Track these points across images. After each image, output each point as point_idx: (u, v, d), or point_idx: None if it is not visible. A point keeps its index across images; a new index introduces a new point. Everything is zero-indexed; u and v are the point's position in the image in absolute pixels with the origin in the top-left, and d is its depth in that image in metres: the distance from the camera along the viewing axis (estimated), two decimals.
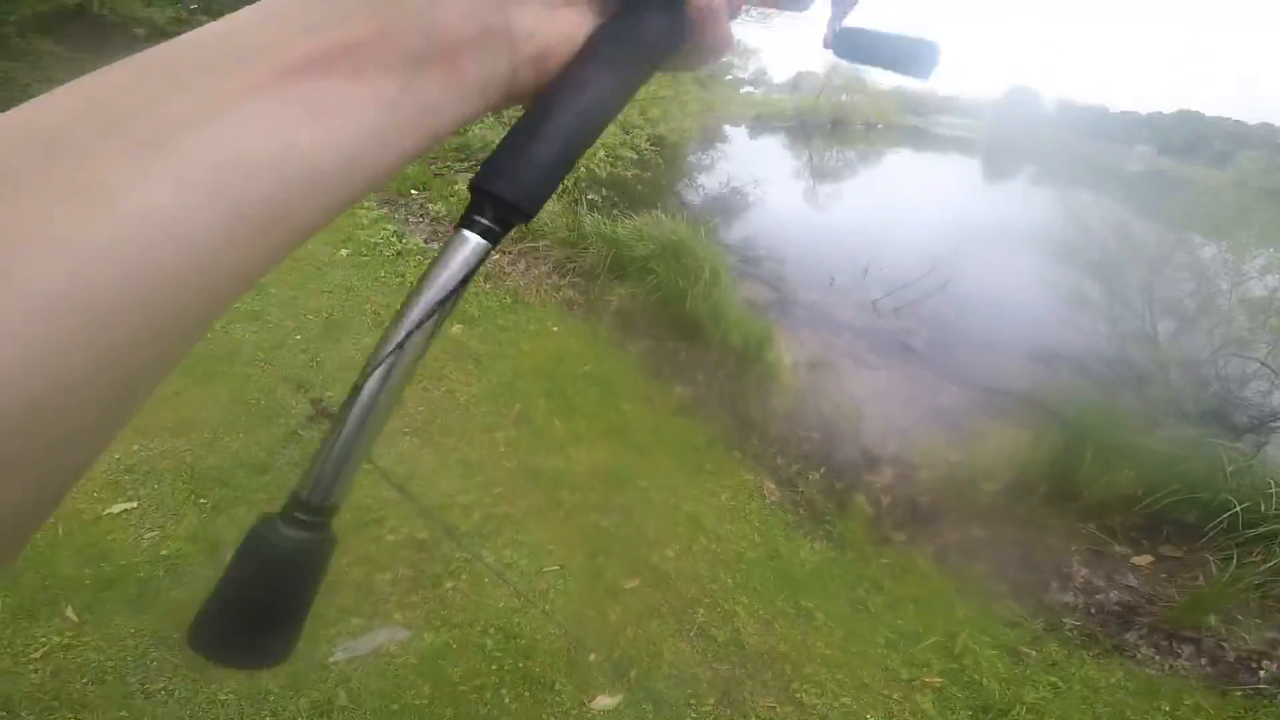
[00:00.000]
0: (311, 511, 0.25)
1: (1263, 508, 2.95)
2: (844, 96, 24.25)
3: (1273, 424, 4.28)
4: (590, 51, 0.29)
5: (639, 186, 7.78)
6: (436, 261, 0.26)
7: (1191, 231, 6.44)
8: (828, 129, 22.87)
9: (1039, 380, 4.87)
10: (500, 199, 0.27)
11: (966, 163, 28.39)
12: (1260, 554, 2.80)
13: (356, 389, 0.26)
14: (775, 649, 2.26)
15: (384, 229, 6.06)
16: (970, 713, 2.19)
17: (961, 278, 6.26)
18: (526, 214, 0.27)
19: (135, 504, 2.24)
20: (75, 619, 1.84)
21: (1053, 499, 3.41)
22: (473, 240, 0.27)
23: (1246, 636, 2.58)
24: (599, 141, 5.62)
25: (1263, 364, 4.48)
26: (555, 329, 4.35)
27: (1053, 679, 2.40)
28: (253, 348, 3.30)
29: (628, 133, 7.84)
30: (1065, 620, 2.75)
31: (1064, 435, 3.62)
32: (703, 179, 10.85)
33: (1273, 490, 2.98)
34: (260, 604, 0.26)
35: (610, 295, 4.79)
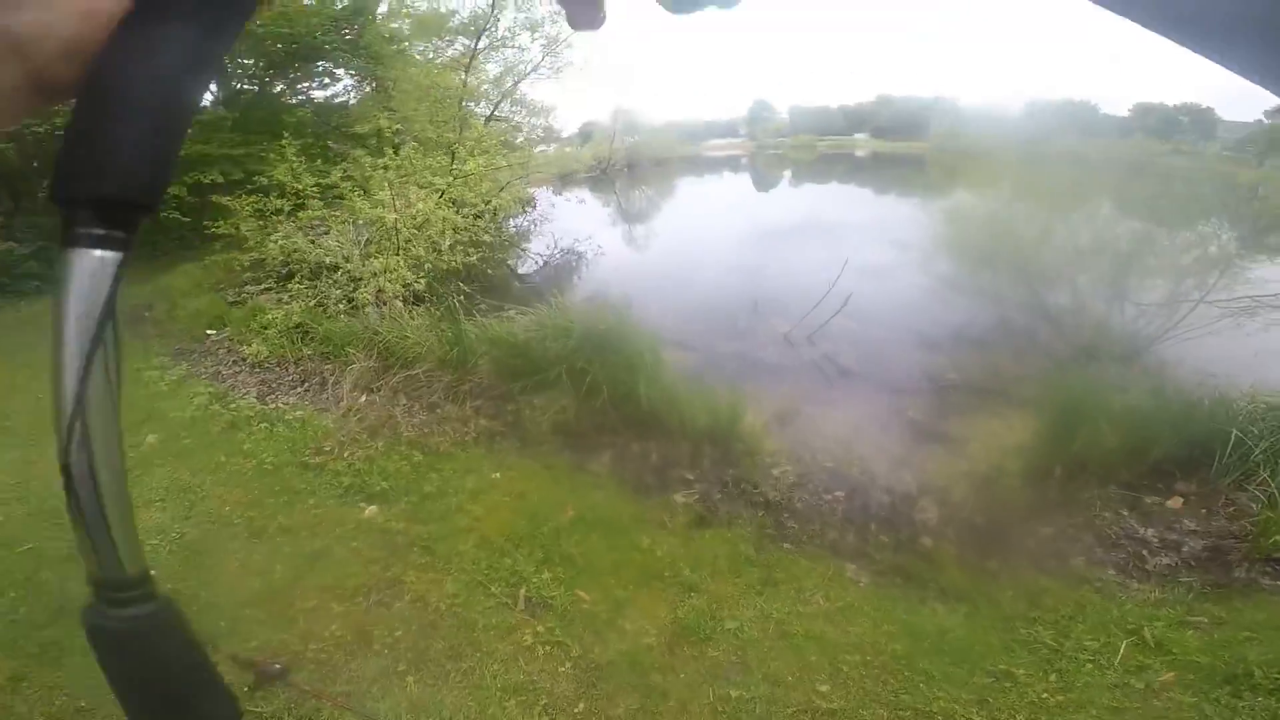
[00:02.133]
0: (122, 588, 0.26)
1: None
2: (633, 138, 26.16)
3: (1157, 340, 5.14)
4: (141, 8, 0.26)
5: (488, 270, 7.28)
6: (59, 300, 0.24)
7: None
8: (625, 171, 24.51)
9: (966, 364, 5.34)
10: (93, 198, 0.24)
11: (737, 179, 32.37)
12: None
13: (66, 469, 0.25)
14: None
15: (194, 394, 4.82)
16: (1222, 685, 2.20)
17: (818, 282, 6.83)
18: (140, 204, 0.25)
19: None
20: None
21: (1068, 475, 3.64)
22: (87, 256, 0.24)
23: None
24: (448, 230, 5.10)
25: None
26: (497, 476, 3.70)
27: (1245, 633, 2.46)
28: None
29: (469, 213, 7.29)
30: (1181, 580, 2.91)
31: (1045, 414, 3.92)
32: (530, 246, 10.70)
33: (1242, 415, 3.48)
34: (152, 679, 0.27)
35: (537, 413, 4.22)
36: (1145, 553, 3.16)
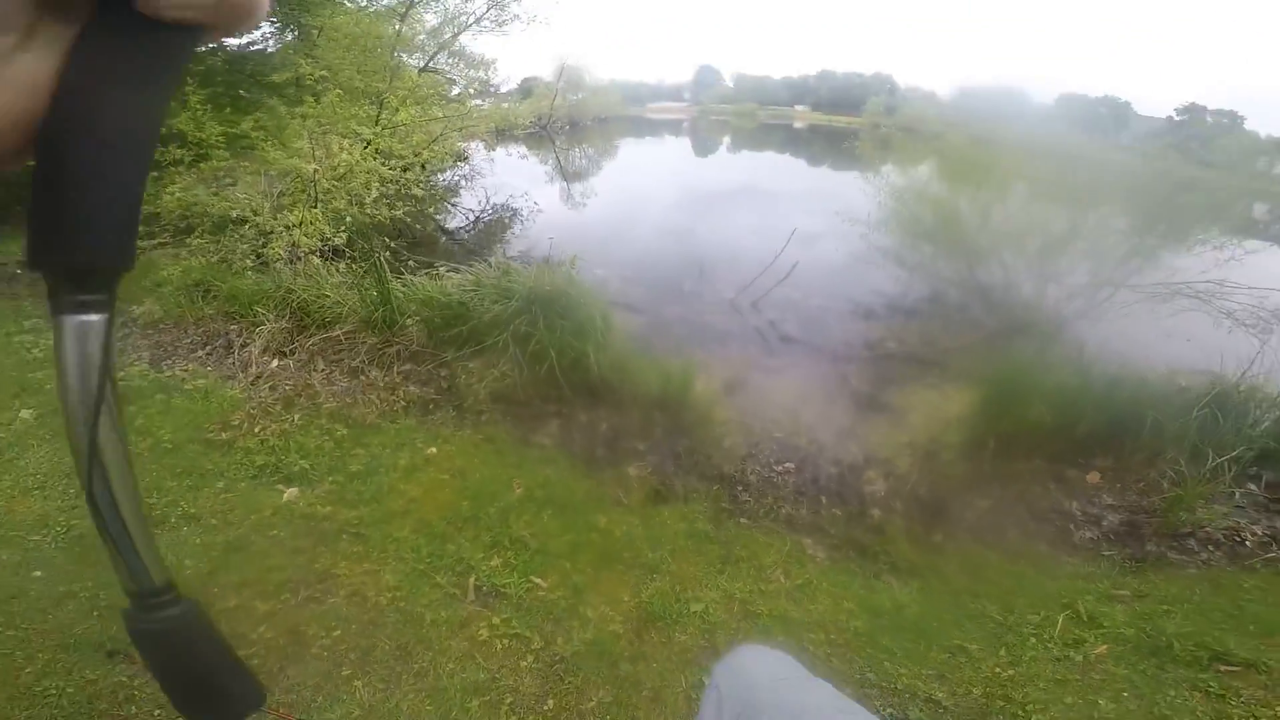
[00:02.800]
0: (152, 595, 0.31)
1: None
2: (577, 96, 25.10)
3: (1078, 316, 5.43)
4: (76, 75, 0.26)
5: (417, 226, 6.77)
6: (60, 364, 0.26)
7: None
8: (566, 129, 23.58)
9: (903, 334, 5.46)
10: (70, 268, 0.26)
11: (678, 142, 32.07)
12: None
13: (93, 504, 0.29)
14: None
15: None
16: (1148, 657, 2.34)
17: (759, 248, 6.84)
18: (115, 264, 0.26)
19: None
20: None
21: (1000, 448, 3.78)
22: (76, 321, 0.26)
23: (1239, 521, 3.12)
24: (373, 183, 4.66)
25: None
26: (432, 450, 3.43)
27: (1163, 607, 2.62)
28: None
29: (397, 165, 6.71)
30: (1104, 554, 3.10)
31: (980, 388, 4.04)
32: (460, 201, 10.19)
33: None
34: (187, 669, 0.32)
35: (474, 380, 3.95)
36: (1071, 526, 3.33)
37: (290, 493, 3.07)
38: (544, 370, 3.82)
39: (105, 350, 0.26)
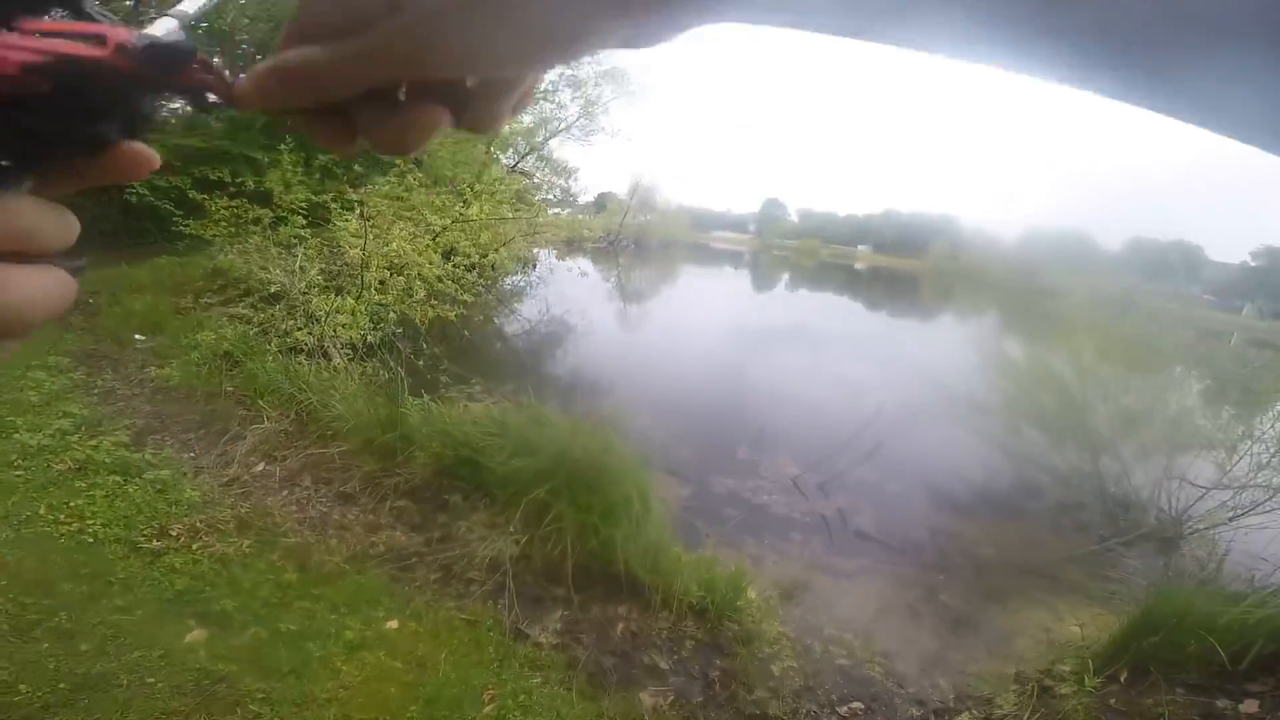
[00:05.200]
0: None
1: None
2: (646, 217, 26.19)
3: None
4: None
5: (465, 333, 6.39)
6: None
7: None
8: (632, 248, 24.38)
9: (1002, 538, 4.50)
10: None
11: (737, 275, 32.74)
12: None
13: None
14: None
15: (64, 412, 3.83)
16: None
17: (840, 415, 6.10)
18: None
19: None
20: None
21: (1131, 680, 2.84)
22: None
23: None
24: (416, 280, 4.06)
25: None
26: (393, 625, 2.68)
27: None
28: None
29: (461, 263, 6.47)
30: None
31: (1117, 611, 3.11)
32: (521, 309, 10.12)
33: None
34: None
35: (474, 537, 3.25)
36: None
37: (196, 634, 2.41)
38: (557, 549, 3.08)
39: None
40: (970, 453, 5.78)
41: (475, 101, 0.28)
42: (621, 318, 12.92)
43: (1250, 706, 2.80)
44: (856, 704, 2.78)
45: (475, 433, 3.52)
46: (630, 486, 3.14)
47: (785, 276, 36.94)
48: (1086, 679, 2.90)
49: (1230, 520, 4.40)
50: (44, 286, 0.25)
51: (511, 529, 3.09)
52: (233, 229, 6.17)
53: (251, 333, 5.28)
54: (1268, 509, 4.37)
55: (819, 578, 3.72)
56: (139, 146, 0.27)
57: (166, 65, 0.24)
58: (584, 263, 16.94)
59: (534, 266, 11.77)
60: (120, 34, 0.23)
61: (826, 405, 7.47)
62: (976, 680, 3.05)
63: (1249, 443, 4.70)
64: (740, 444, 5.65)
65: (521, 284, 11.57)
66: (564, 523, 3.05)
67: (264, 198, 6.45)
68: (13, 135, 0.23)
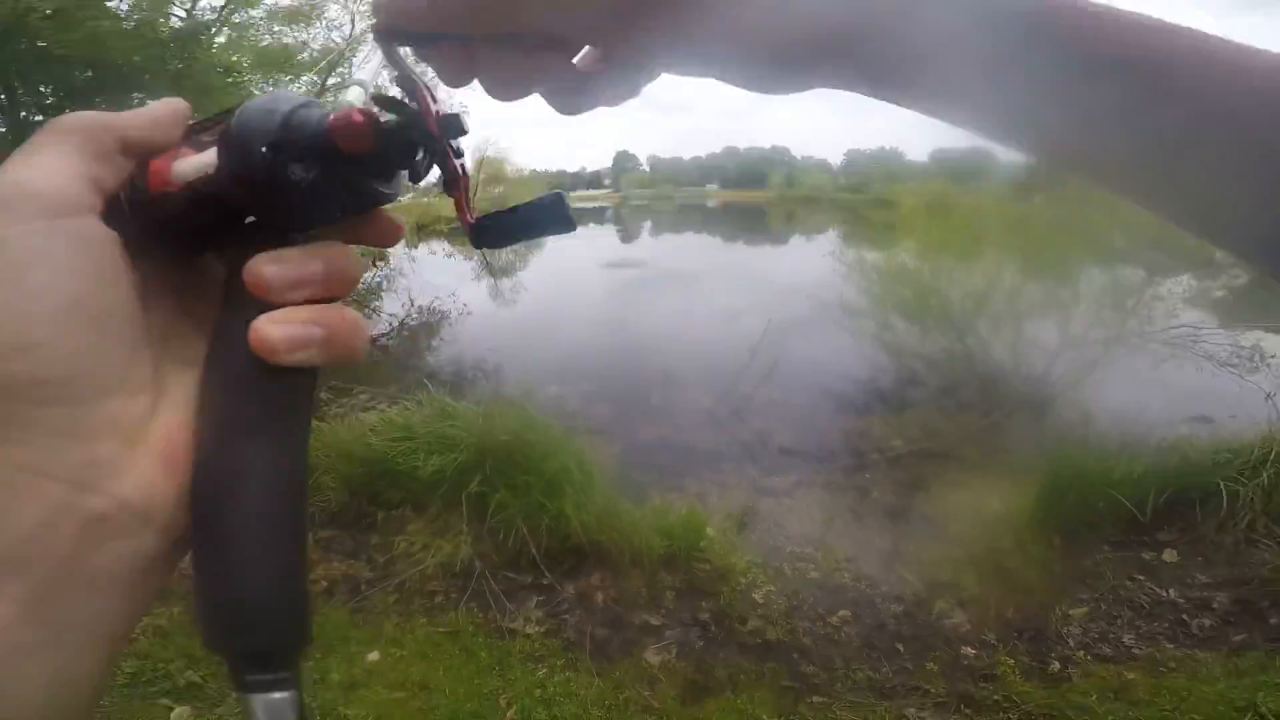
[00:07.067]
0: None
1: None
2: (498, 190, 25.01)
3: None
4: (212, 432, 0.24)
5: None
6: None
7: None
8: None
9: (904, 428, 5.02)
10: (250, 654, 0.23)
11: (603, 230, 32.82)
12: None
13: None
14: None
15: None
16: None
17: (731, 342, 6.42)
18: (295, 645, 0.24)
19: None
20: None
21: (1065, 545, 3.33)
22: (265, 700, 0.23)
23: None
24: None
25: None
26: (374, 656, 2.61)
27: None
28: None
29: None
30: (1233, 639, 2.66)
31: (1037, 480, 3.59)
32: (381, 305, 9.70)
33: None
34: None
35: (416, 547, 3.15)
36: (1184, 616, 2.86)
37: (180, 712, 2.22)
38: (511, 540, 3.06)
39: None
40: (854, 353, 6.31)
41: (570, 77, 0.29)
42: (495, 293, 12.54)
43: (1171, 556, 3.23)
44: (844, 612, 3.03)
45: (380, 442, 3.36)
46: (564, 456, 3.17)
47: (648, 224, 37.52)
48: (1030, 549, 3.35)
49: (1080, 380, 5.20)
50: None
51: (465, 529, 3.03)
52: None
53: None
54: (1108, 363, 5.22)
55: (762, 501, 3.97)
56: (394, 213, 0.28)
57: (457, 131, 0.26)
58: (442, 245, 16.08)
59: (385, 260, 11.10)
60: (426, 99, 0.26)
61: (716, 336, 7.75)
62: (936, 568, 3.28)
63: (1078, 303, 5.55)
64: (651, 390, 5.84)
65: (376, 280, 10.90)
66: (509, 510, 3.03)
67: None
68: (346, 183, 0.25)
